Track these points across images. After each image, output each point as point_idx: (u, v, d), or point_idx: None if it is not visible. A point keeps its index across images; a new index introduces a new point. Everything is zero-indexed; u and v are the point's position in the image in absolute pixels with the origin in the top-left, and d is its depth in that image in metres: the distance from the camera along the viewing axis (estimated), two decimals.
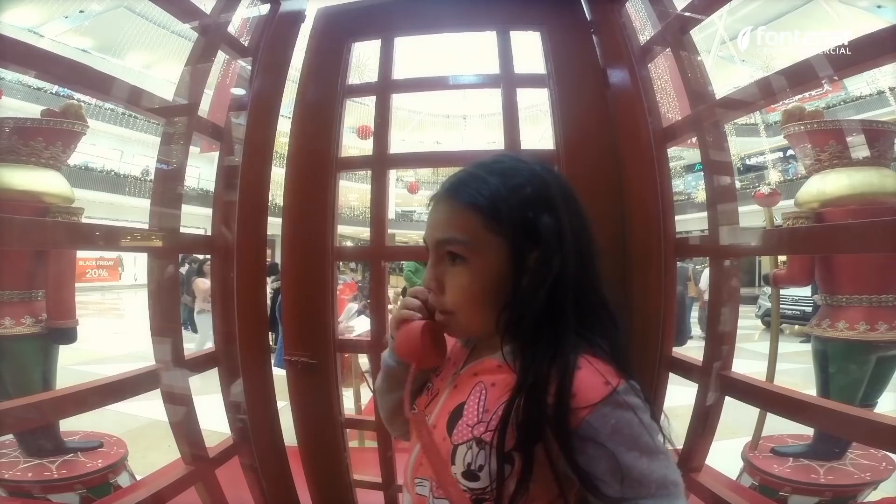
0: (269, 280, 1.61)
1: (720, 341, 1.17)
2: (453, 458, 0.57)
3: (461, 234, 0.59)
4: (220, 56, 1.41)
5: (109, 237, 1.14)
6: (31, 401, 1.02)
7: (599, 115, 1.35)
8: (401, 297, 4.71)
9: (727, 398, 1.16)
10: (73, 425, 2.38)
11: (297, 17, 1.47)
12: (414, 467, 0.65)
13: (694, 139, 1.24)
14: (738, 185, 2.00)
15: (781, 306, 3.34)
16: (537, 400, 0.53)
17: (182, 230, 1.26)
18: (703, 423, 1.20)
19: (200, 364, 1.38)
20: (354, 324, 3.93)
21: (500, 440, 0.54)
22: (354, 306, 4.41)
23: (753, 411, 2.33)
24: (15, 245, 1.52)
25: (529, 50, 1.51)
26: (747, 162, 14.83)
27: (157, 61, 15.34)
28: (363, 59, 2.28)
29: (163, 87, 1.38)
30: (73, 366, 4.78)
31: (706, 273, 6.59)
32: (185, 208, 1.27)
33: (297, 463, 1.47)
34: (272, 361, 1.51)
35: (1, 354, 2.16)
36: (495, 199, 0.58)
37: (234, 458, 1.44)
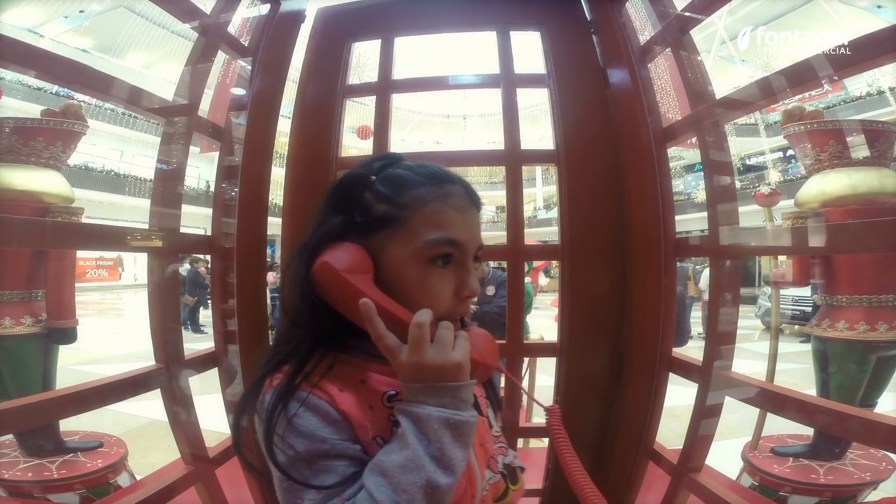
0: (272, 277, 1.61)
1: (720, 341, 1.17)
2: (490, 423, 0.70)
3: None
4: (220, 56, 1.40)
5: (109, 237, 1.14)
6: (31, 401, 1.01)
7: (599, 115, 1.35)
8: None
9: (727, 398, 1.16)
10: (73, 425, 2.38)
11: (297, 17, 1.47)
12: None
13: (694, 139, 1.24)
14: (738, 185, 2.00)
15: (781, 306, 3.34)
16: None
17: (182, 230, 1.27)
18: (703, 423, 1.20)
19: (200, 364, 1.38)
20: None
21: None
22: None
23: (753, 411, 2.33)
24: (15, 245, 1.52)
25: (529, 50, 1.51)
26: (747, 162, 14.84)
27: (157, 61, 15.35)
28: (363, 59, 2.29)
29: (163, 87, 1.38)
30: (73, 366, 4.78)
31: (706, 273, 6.60)
32: (185, 208, 1.26)
33: None
34: None
35: (1, 354, 2.16)
36: None
37: (234, 458, 1.44)
